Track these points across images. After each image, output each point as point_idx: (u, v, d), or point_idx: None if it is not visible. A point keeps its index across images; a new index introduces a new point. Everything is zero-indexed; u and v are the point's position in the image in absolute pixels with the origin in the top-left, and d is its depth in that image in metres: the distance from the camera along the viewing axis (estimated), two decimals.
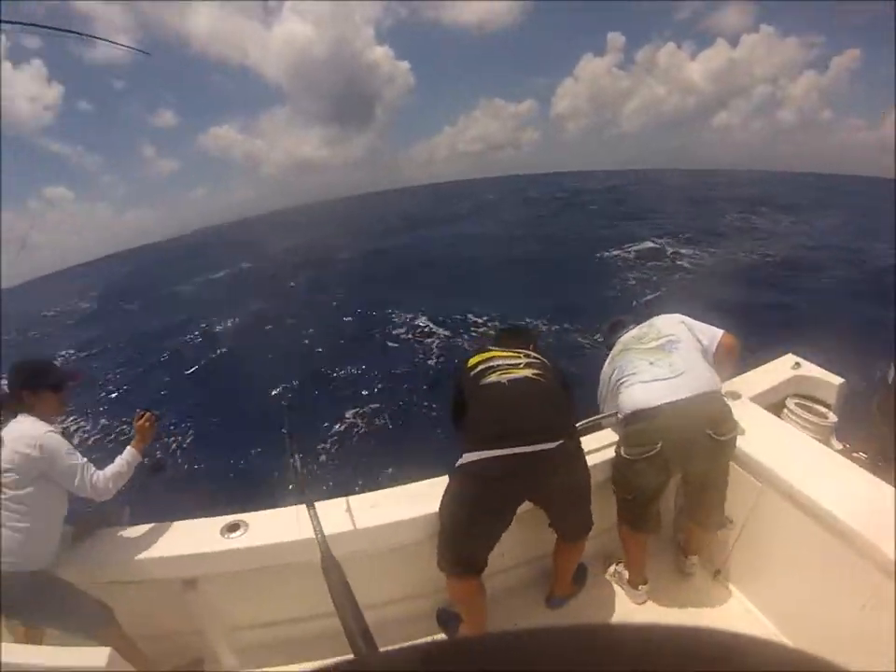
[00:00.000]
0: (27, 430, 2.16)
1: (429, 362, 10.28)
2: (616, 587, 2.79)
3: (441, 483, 2.29)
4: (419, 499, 2.38)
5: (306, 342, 12.51)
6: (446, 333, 11.77)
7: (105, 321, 20.56)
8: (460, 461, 2.09)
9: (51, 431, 2.19)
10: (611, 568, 2.84)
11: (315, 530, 1.78)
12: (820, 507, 2.14)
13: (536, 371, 2.27)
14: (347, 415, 8.22)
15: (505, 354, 2.39)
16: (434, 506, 2.27)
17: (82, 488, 2.19)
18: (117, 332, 17.53)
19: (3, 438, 2.15)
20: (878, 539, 1.95)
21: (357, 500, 2.41)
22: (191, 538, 2.35)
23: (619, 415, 2.50)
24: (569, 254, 18.97)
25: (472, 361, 2.39)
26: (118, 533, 2.42)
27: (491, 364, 2.31)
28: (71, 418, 9.40)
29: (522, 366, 2.29)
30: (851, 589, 2.07)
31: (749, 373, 3.13)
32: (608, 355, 2.78)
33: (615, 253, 18.09)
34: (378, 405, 8.47)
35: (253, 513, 2.42)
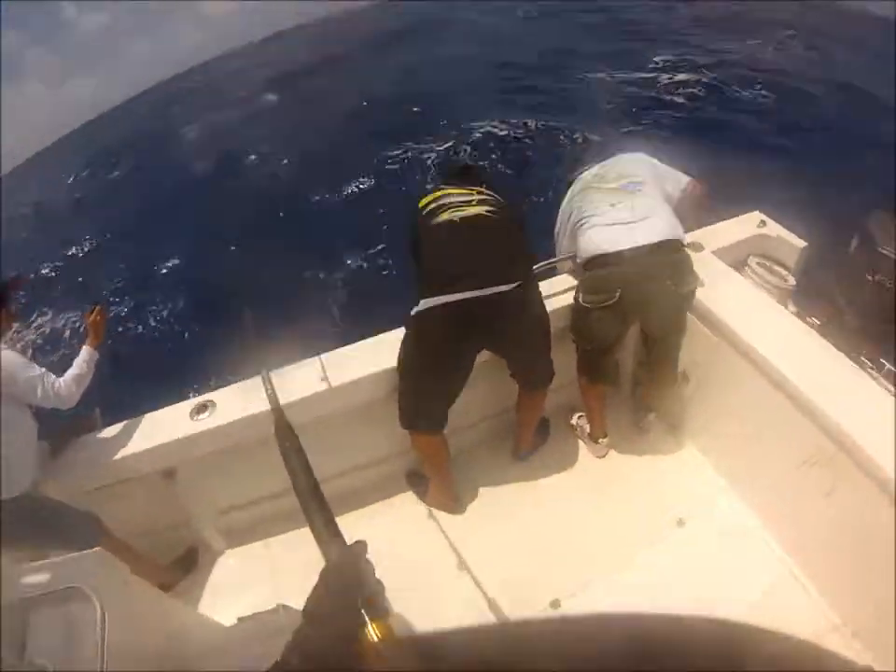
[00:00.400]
0: None
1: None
2: (578, 441, 2.93)
3: (399, 334, 2.26)
4: (378, 354, 2.35)
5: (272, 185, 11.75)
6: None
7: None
8: (414, 309, 2.04)
9: (5, 349, 2.08)
10: (573, 419, 2.94)
11: (268, 398, 1.75)
12: (772, 365, 2.20)
13: (489, 209, 2.14)
14: (309, 272, 8.04)
15: (456, 191, 2.24)
16: (393, 359, 2.25)
17: (46, 398, 2.13)
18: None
19: None
20: (823, 400, 2.03)
21: (314, 363, 2.38)
22: (163, 426, 2.33)
23: (577, 259, 2.45)
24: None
25: (424, 201, 2.26)
26: (93, 437, 2.39)
27: (442, 202, 2.18)
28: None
29: (474, 202, 2.16)
30: (795, 447, 2.18)
31: (713, 226, 3.10)
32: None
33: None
34: (344, 257, 8.24)
35: (220, 391, 2.40)
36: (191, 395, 2.50)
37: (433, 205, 2.19)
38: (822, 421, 2.02)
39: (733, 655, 0.28)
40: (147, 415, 2.41)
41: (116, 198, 16.86)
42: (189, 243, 10.44)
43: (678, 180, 2.50)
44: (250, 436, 2.31)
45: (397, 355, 2.22)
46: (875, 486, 1.86)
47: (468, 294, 1.90)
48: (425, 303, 1.98)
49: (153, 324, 8.13)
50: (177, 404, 2.40)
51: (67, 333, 8.51)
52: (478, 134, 11.38)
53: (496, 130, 11.55)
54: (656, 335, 2.50)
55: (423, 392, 2.22)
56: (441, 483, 2.57)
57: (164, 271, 9.82)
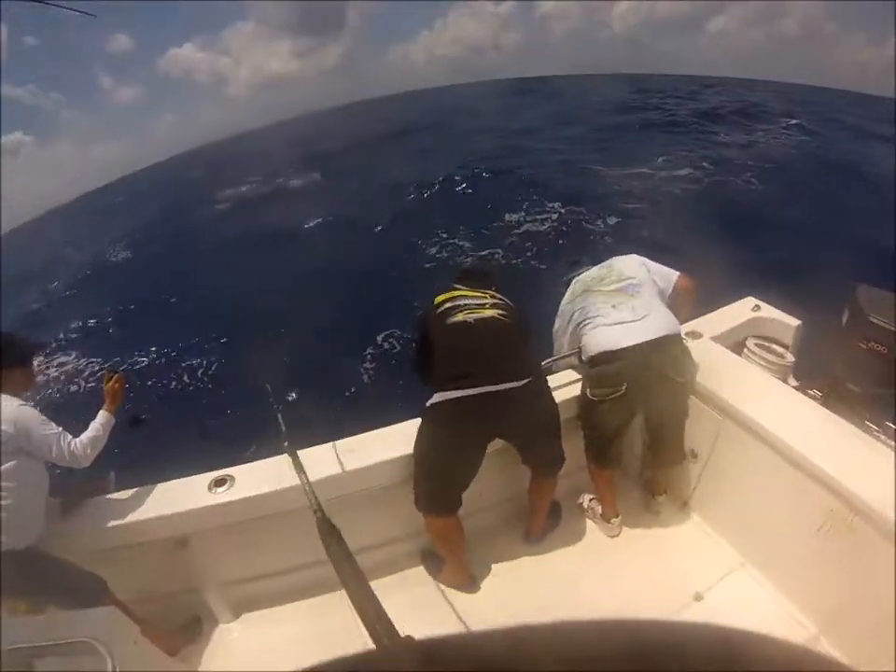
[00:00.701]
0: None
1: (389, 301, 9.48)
2: (590, 522, 2.93)
3: (415, 424, 2.36)
4: (395, 442, 2.44)
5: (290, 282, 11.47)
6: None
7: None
8: (430, 401, 2.17)
9: (23, 405, 2.15)
10: (584, 501, 2.96)
11: (301, 481, 1.81)
12: (777, 437, 2.28)
13: (501, 312, 2.30)
14: (330, 362, 8.04)
15: (471, 293, 2.40)
16: (409, 447, 2.35)
17: (61, 457, 2.17)
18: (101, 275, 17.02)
19: None
20: (830, 466, 2.09)
21: (335, 447, 2.46)
22: (180, 496, 2.37)
23: (583, 356, 2.58)
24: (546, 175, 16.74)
25: (439, 299, 2.40)
26: (105, 499, 2.42)
27: (458, 303, 2.32)
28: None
29: (488, 306, 2.32)
30: (807, 514, 2.21)
31: (710, 315, 3.25)
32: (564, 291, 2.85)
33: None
34: (357, 349, 8.29)
35: (239, 467, 2.45)
36: (208, 468, 2.53)
37: (448, 305, 2.33)
38: (833, 486, 2.07)
39: (730, 660, 0.27)
40: (166, 483, 2.46)
41: (139, 259, 17.58)
42: (217, 313, 10.58)
43: (668, 277, 2.68)
44: (266, 512, 2.35)
45: (413, 443, 2.33)
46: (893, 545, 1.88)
47: (482, 389, 2.05)
48: (441, 396, 2.13)
49: (179, 391, 8.15)
50: (196, 475, 2.45)
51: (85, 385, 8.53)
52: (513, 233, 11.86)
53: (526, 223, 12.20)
54: (660, 421, 2.62)
55: (438, 478, 2.30)
56: (455, 563, 2.57)
57: (188, 340, 9.78)
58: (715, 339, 2.97)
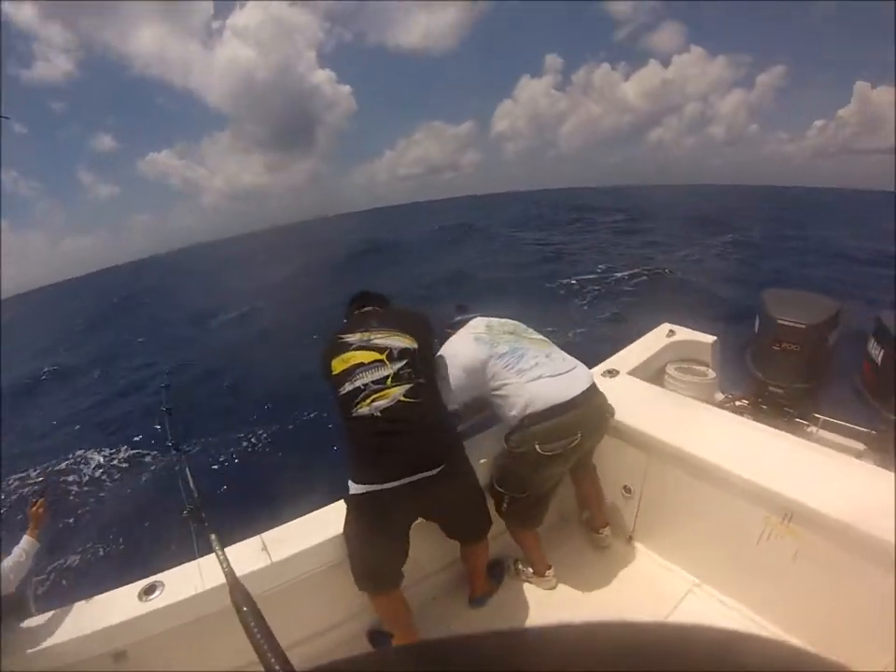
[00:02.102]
0: None
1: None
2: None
3: (324, 513, 2.39)
4: (325, 524, 2.39)
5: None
6: None
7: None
8: (350, 491, 2.16)
9: None
10: (513, 568, 2.88)
11: (220, 561, 1.74)
12: (701, 459, 2.33)
13: (407, 387, 2.16)
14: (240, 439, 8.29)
15: (367, 358, 2.20)
16: (339, 528, 2.31)
17: None
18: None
19: None
20: (757, 475, 2.15)
21: (262, 539, 2.39)
22: (109, 609, 2.27)
23: (513, 411, 2.39)
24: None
25: (334, 365, 2.24)
26: (29, 623, 2.28)
27: (356, 382, 2.16)
28: None
29: (390, 381, 2.15)
30: (746, 526, 2.25)
31: (628, 348, 3.33)
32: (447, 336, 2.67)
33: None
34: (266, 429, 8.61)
35: (168, 571, 2.37)
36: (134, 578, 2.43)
37: (348, 385, 2.17)
38: (762, 495, 2.12)
39: (728, 661, 0.27)
40: (91, 599, 2.33)
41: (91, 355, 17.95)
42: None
43: None
44: (202, 613, 2.26)
45: (342, 523, 2.30)
46: (836, 539, 1.94)
47: (395, 483, 2.05)
48: (356, 488, 2.14)
49: (95, 498, 7.86)
50: (123, 587, 2.34)
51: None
52: None
53: None
54: (586, 459, 2.69)
55: (371, 559, 2.27)
56: (404, 637, 2.49)
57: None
58: (633, 372, 3.04)
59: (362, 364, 2.19)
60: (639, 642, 0.29)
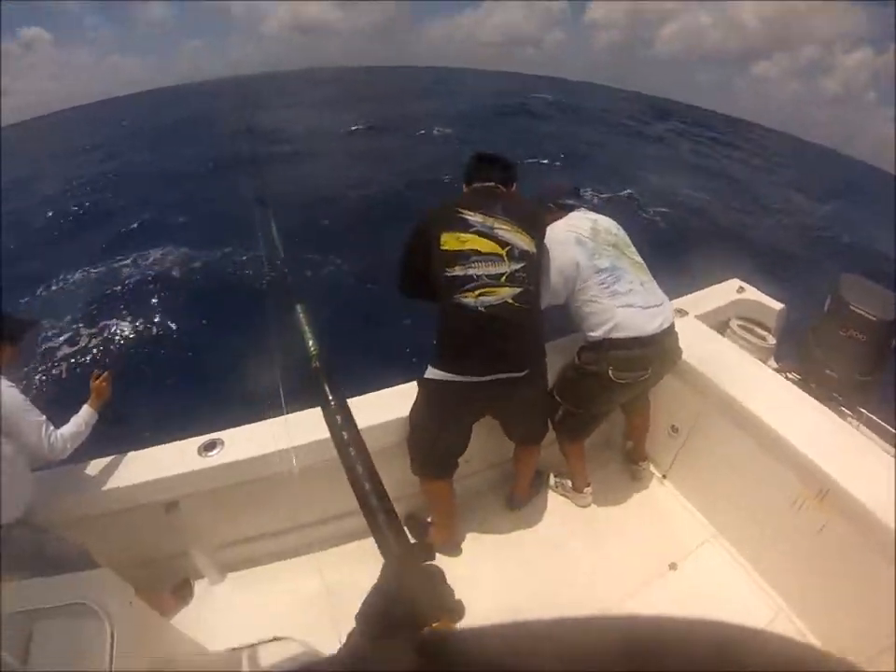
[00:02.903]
0: None
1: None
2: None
3: (412, 388, 2.38)
4: (391, 404, 2.46)
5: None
6: None
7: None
8: (428, 374, 2.17)
9: (10, 386, 2.10)
10: (552, 481, 3.01)
11: (305, 339, 1.33)
12: (755, 416, 2.36)
13: (518, 291, 2.07)
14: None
15: (485, 248, 2.08)
16: (405, 410, 2.38)
17: (39, 447, 2.13)
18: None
19: None
20: (804, 446, 2.18)
21: (315, 412, 2.42)
22: (169, 460, 2.37)
23: (597, 332, 2.36)
24: None
25: (445, 239, 2.09)
26: (93, 465, 2.40)
27: (468, 270, 2.05)
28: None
29: (504, 279, 2.06)
30: (780, 491, 2.31)
31: (695, 293, 3.32)
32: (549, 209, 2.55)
33: None
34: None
35: (229, 430, 2.46)
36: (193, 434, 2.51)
37: (458, 268, 2.06)
38: (806, 465, 2.16)
39: (730, 656, 0.27)
40: (153, 448, 2.45)
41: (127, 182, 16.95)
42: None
43: None
44: (254, 476, 2.37)
45: (408, 407, 2.35)
46: (862, 522, 1.99)
47: (478, 378, 2.06)
48: (437, 374, 2.13)
49: (163, 349, 7.70)
50: (185, 440, 2.45)
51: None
52: None
53: None
54: (645, 395, 2.74)
55: (435, 445, 2.33)
56: (445, 525, 2.64)
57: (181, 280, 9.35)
58: (699, 317, 3.03)
59: (478, 252, 2.07)
60: (643, 637, 0.29)
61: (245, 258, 9.04)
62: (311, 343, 1.27)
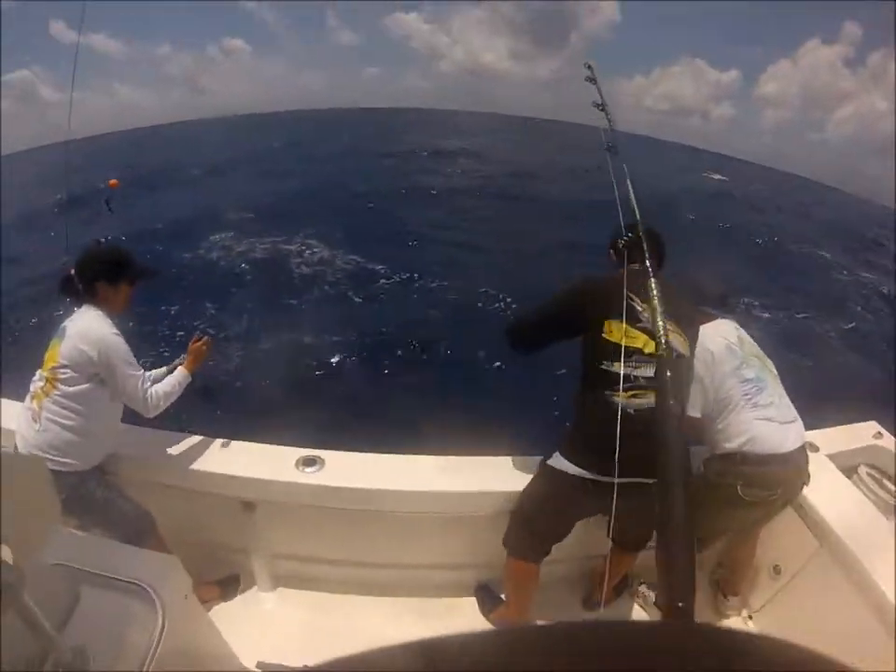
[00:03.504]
0: (92, 327, 2.07)
1: None
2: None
3: (505, 463, 2.39)
4: (484, 474, 2.43)
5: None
6: None
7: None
8: (555, 463, 2.12)
9: (115, 333, 2.10)
10: (640, 589, 2.84)
11: None
12: (872, 580, 2.16)
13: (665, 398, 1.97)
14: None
15: (648, 347, 1.97)
16: (501, 484, 2.36)
17: (134, 400, 2.15)
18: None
19: (67, 328, 2.09)
20: None
21: (441, 460, 2.46)
22: (265, 462, 2.40)
23: (731, 444, 2.26)
24: None
25: (611, 327, 1.99)
26: (192, 438, 2.44)
27: (627, 368, 1.95)
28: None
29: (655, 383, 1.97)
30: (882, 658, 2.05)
31: (828, 430, 3.10)
32: (713, 315, 2.46)
33: None
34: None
35: (331, 452, 2.46)
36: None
37: (617, 364, 1.96)
38: None
39: (731, 662, 0.27)
40: (253, 444, 2.49)
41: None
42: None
43: None
44: (343, 506, 2.38)
45: (517, 481, 2.32)
46: None
47: (608, 479, 1.94)
48: (572, 468, 2.06)
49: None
50: (286, 447, 2.48)
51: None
52: None
53: None
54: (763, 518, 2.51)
55: (537, 529, 2.28)
56: (517, 608, 2.54)
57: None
58: (830, 457, 2.83)
59: (641, 351, 1.97)
60: (642, 642, 0.28)
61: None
62: None
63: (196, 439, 2.48)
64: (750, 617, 2.81)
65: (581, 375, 2.07)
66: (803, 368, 7.93)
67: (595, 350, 2.01)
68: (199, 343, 2.44)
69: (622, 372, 1.94)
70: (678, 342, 2.03)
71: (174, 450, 2.43)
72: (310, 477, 2.33)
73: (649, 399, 1.95)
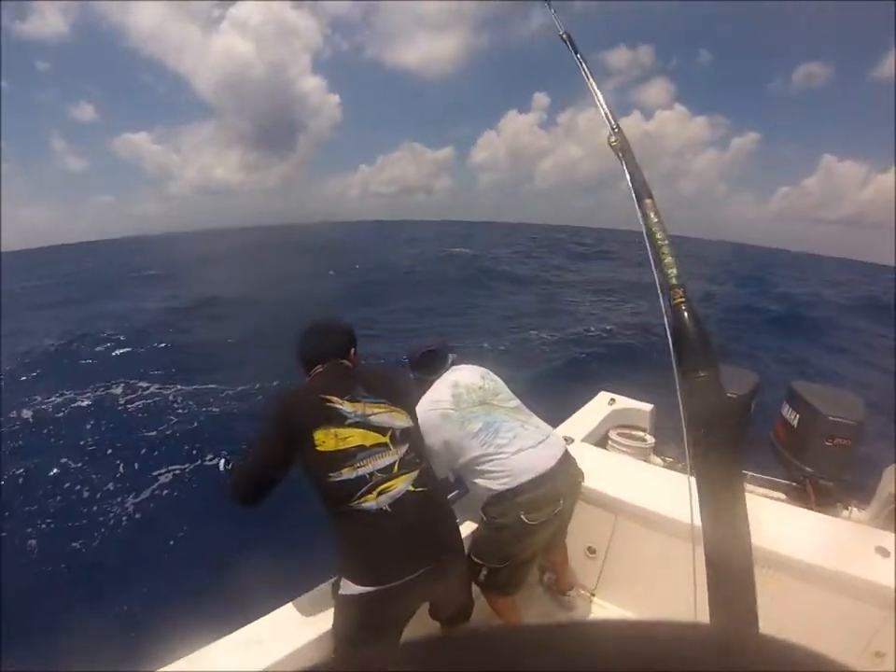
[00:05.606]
0: None
1: None
2: None
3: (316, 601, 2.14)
4: (309, 619, 2.10)
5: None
6: None
7: None
8: (344, 591, 1.91)
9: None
10: (544, 577, 2.97)
11: None
12: (666, 518, 2.54)
13: (414, 475, 1.98)
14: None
15: (368, 440, 1.93)
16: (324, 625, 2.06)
17: None
18: None
19: None
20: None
21: (240, 636, 2.04)
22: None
23: (495, 485, 2.35)
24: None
25: (321, 438, 1.88)
26: None
27: (359, 470, 1.88)
28: None
29: (396, 468, 1.94)
30: (689, 574, 2.42)
31: (573, 417, 3.63)
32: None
33: None
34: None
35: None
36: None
37: (347, 470, 1.87)
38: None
39: (728, 660, 0.27)
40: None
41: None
42: None
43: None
44: None
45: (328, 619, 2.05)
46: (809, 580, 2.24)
47: (404, 581, 1.86)
48: (357, 590, 1.87)
49: None
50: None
51: None
52: None
53: None
54: (564, 523, 2.68)
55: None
56: None
57: None
58: (584, 439, 3.30)
59: (363, 447, 1.91)
60: (639, 640, 0.29)
61: None
62: None
63: None
64: (593, 594, 3.11)
65: (318, 494, 1.93)
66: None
67: (312, 465, 1.91)
68: None
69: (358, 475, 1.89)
70: (394, 417, 2.03)
71: None
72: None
73: (397, 488, 1.91)
